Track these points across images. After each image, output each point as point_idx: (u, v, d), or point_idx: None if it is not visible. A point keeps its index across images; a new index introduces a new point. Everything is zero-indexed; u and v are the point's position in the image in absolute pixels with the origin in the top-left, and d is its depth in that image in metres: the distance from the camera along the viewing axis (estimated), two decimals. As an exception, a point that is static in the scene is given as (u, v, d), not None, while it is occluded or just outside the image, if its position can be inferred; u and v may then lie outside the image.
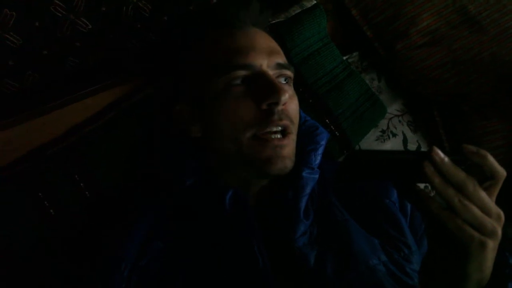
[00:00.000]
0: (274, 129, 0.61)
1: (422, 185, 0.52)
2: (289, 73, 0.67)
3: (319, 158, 0.67)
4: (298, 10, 0.94)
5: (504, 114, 1.07)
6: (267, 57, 0.64)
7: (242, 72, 0.63)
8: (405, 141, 1.06)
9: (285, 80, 0.67)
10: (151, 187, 0.72)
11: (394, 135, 1.05)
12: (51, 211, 0.67)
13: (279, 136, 0.62)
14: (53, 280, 0.66)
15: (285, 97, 0.60)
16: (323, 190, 0.68)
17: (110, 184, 0.72)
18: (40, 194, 0.67)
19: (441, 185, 0.42)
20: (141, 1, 0.78)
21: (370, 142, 1.01)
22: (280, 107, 0.61)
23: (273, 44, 0.69)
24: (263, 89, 0.61)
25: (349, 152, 0.61)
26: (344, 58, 1.04)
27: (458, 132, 1.11)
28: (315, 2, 0.97)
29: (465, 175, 0.43)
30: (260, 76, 0.63)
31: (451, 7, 1.05)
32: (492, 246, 0.44)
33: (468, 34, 1.05)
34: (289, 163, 0.62)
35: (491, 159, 0.43)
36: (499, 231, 0.43)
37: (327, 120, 0.89)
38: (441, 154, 0.43)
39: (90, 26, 0.74)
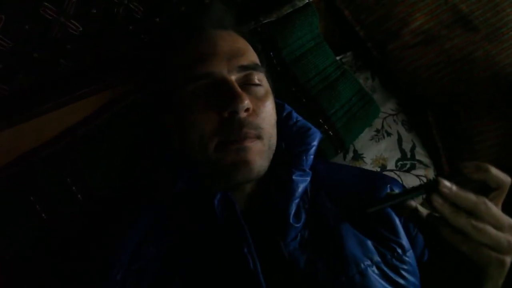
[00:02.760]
0: (235, 138, 0.60)
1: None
2: (256, 74, 0.66)
3: (310, 159, 0.67)
4: (290, 10, 0.94)
5: (497, 114, 1.08)
6: (228, 62, 0.63)
7: (204, 81, 0.63)
8: (399, 140, 1.06)
9: (252, 84, 0.65)
10: (149, 188, 0.72)
11: (389, 134, 1.05)
12: (43, 215, 0.67)
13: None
14: (53, 280, 0.66)
15: (244, 104, 0.59)
16: (316, 191, 0.67)
17: (103, 187, 0.72)
18: (32, 198, 0.66)
19: (453, 215, 0.41)
20: (133, 2, 0.78)
21: (364, 141, 1.00)
22: (241, 115, 0.60)
23: (238, 45, 0.67)
24: (223, 97, 0.61)
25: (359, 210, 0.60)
26: (338, 58, 1.03)
27: (452, 133, 1.12)
28: (307, 1, 0.97)
29: (475, 198, 0.42)
30: (220, 83, 0.62)
31: (443, 7, 1.05)
32: (510, 261, 0.43)
33: (461, 33, 1.05)
34: (255, 168, 0.61)
35: (493, 171, 0.42)
36: None
37: (320, 120, 0.88)
38: (448, 185, 0.41)
39: (81, 29, 0.74)
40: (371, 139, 1.01)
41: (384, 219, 0.63)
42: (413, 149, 1.07)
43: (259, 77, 0.66)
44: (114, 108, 0.76)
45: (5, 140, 0.69)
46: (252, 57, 0.67)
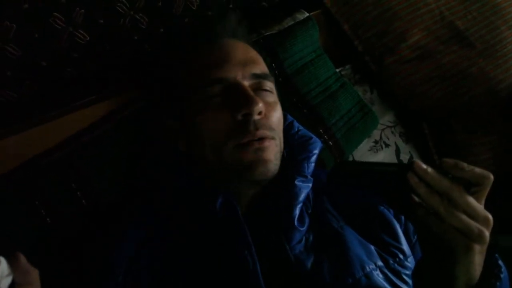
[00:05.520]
0: (252, 138, 0.62)
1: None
2: (267, 83, 0.68)
3: (312, 166, 0.68)
4: (291, 22, 0.96)
5: (493, 128, 1.09)
6: (242, 68, 0.66)
7: (218, 86, 0.65)
8: (397, 151, 1.07)
9: (263, 90, 0.68)
10: (150, 188, 0.73)
11: (387, 145, 1.06)
12: (48, 219, 0.67)
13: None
14: (53, 280, 0.66)
15: (258, 107, 0.61)
16: (318, 197, 0.69)
17: (107, 192, 0.73)
18: (36, 202, 0.67)
19: (426, 194, 0.44)
20: (138, 13, 0.80)
21: (363, 152, 1.02)
22: (255, 117, 0.62)
23: (251, 54, 0.70)
24: (237, 100, 0.63)
25: (336, 163, 0.62)
26: (337, 70, 1.06)
27: (446, 145, 1.13)
28: (307, 14, 1.00)
29: (449, 182, 0.44)
30: (234, 87, 0.64)
31: (440, 23, 1.07)
32: (478, 249, 0.45)
33: (457, 49, 1.07)
34: (272, 167, 0.63)
35: (471, 169, 0.45)
36: (486, 235, 0.44)
37: (320, 130, 0.90)
38: (423, 166, 0.44)
39: (88, 38, 0.76)
40: (369, 150, 1.03)
41: (385, 225, 0.65)
42: (410, 160, 1.09)
43: (270, 85, 0.69)
44: (119, 114, 0.78)
45: (12, 145, 0.70)
46: (263, 67, 0.70)
